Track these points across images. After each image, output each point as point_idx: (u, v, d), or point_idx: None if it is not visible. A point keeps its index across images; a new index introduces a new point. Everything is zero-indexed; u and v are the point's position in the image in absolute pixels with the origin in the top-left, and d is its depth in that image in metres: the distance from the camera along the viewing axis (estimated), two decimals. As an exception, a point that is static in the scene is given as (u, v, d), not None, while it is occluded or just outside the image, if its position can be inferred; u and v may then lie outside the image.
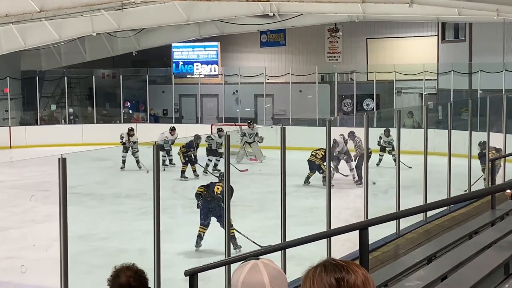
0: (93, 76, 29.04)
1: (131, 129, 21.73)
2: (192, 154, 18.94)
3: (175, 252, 10.63)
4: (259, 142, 21.70)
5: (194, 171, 18.94)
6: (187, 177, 18.51)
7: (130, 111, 30.15)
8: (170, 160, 20.78)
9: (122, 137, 21.44)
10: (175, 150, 20.05)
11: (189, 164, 18.92)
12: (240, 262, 2.37)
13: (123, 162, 20.51)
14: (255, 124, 23.31)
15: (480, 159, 15.13)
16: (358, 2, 17.66)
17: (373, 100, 27.27)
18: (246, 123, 23.13)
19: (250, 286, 2.26)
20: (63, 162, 4.75)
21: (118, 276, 3.64)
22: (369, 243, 5.46)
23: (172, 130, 21.82)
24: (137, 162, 20.08)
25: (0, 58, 25.96)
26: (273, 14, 21.75)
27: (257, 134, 22.07)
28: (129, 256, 10.53)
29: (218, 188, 11.39)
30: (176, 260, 10.21)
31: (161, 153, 20.36)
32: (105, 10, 21.60)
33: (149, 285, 3.89)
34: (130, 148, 20.65)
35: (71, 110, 29.03)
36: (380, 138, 19.44)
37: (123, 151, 20.65)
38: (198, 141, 19.21)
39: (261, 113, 28.87)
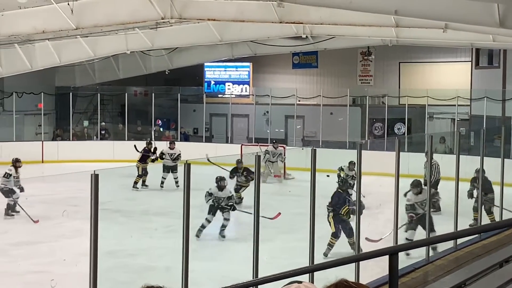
0: (126, 94, 29.30)
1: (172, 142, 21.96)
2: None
3: (202, 270, 10.59)
4: (281, 162, 21.75)
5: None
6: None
7: (161, 129, 30.32)
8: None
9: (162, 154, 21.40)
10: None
11: None
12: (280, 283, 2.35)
13: (162, 182, 20.57)
14: (279, 144, 23.32)
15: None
16: (391, 26, 17.62)
17: (405, 125, 27.10)
18: (271, 143, 23.18)
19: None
20: (95, 178, 4.78)
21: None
22: (399, 269, 5.39)
23: (172, 143, 21.95)
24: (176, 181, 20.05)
25: (35, 74, 26.34)
26: (306, 36, 21.78)
27: (280, 154, 22.10)
28: (156, 273, 10.54)
29: None
30: (203, 279, 10.19)
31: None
32: (139, 29, 21.83)
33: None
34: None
35: (103, 125, 29.28)
36: (342, 170, 17.50)
37: (164, 171, 20.65)
38: (241, 165, 17.94)
39: (292, 135, 28.85)
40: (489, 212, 14.05)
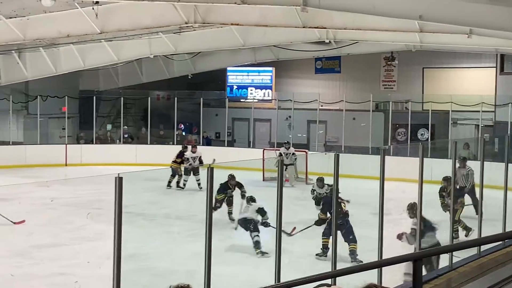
0: (149, 98, 29.43)
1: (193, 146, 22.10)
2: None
3: (225, 274, 10.57)
4: (293, 163, 21.77)
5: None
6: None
7: (184, 133, 30.42)
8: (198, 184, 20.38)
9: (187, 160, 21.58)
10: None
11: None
12: None
13: (184, 184, 20.84)
14: (290, 145, 23.36)
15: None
16: (415, 32, 17.55)
17: (428, 130, 26.95)
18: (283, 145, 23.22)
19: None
20: (119, 181, 4.80)
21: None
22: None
23: (194, 146, 22.10)
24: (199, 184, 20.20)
25: (59, 78, 26.56)
26: (329, 41, 21.76)
27: (293, 154, 22.10)
28: (178, 277, 10.55)
29: None
30: (225, 283, 10.17)
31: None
32: (163, 33, 21.93)
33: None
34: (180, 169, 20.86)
35: (126, 129, 29.43)
36: (314, 191, 16.87)
37: (185, 174, 20.87)
38: (233, 181, 16.30)
39: (314, 140, 28.80)
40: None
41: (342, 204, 12.52)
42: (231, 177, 15.88)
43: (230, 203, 15.84)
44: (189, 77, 29.83)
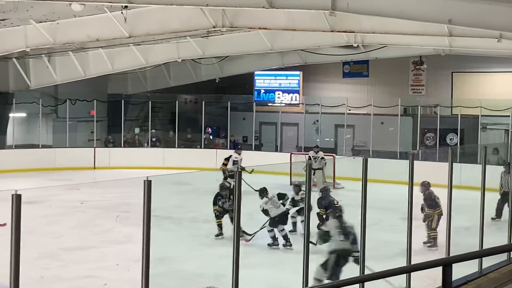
0: (176, 101, 29.56)
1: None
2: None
3: (251, 278, 10.56)
4: (321, 167, 21.70)
5: None
6: None
7: (211, 137, 30.50)
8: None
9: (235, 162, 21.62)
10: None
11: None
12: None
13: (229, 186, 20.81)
14: (319, 149, 23.30)
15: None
16: (444, 36, 17.42)
17: (457, 135, 26.71)
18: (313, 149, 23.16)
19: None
20: (148, 184, 4.82)
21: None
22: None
23: (239, 149, 22.10)
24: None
25: (88, 81, 26.81)
26: (357, 45, 21.67)
27: (322, 158, 22.03)
28: (205, 280, 10.56)
29: None
30: (253, 287, 10.16)
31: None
32: (191, 37, 22.04)
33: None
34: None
35: (154, 133, 29.59)
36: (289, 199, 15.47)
37: (230, 178, 20.85)
38: (225, 192, 15.78)
39: (341, 144, 28.70)
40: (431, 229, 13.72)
41: (335, 202, 13.20)
42: (222, 186, 15.41)
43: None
44: (217, 81, 29.93)
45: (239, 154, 21.75)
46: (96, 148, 28.31)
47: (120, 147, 29.13)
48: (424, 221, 13.67)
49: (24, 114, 28.90)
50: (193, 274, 11.10)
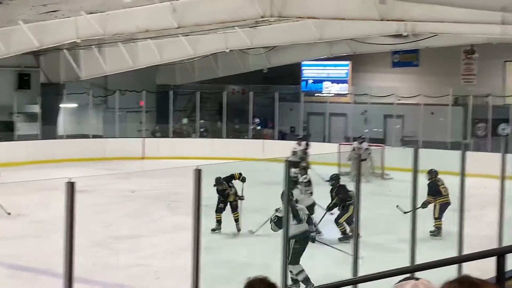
0: (224, 92, 29.63)
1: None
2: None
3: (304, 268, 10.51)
4: (367, 158, 21.51)
5: None
6: None
7: (259, 127, 30.50)
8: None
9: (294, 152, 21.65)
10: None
11: None
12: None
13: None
14: (364, 139, 23.11)
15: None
16: (497, 24, 17.05)
17: (509, 125, 26.18)
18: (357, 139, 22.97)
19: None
20: (198, 173, 4.81)
21: (253, 287, 3.62)
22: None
23: (300, 139, 22.03)
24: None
25: (137, 72, 27.06)
26: (407, 34, 21.38)
27: (367, 149, 21.84)
28: (253, 271, 10.56)
29: None
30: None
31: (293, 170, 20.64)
32: (239, 27, 22.03)
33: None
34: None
35: (202, 123, 29.72)
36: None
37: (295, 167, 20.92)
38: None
39: (390, 134, 28.41)
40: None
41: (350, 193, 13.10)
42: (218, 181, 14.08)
43: (233, 209, 14.15)
44: (264, 71, 29.89)
45: (299, 145, 21.71)
46: (144, 138, 28.59)
47: (168, 137, 29.36)
48: (422, 207, 13.27)
49: (74, 105, 29.34)
50: (242, 264, 11.12)
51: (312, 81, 31.71)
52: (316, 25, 21.33)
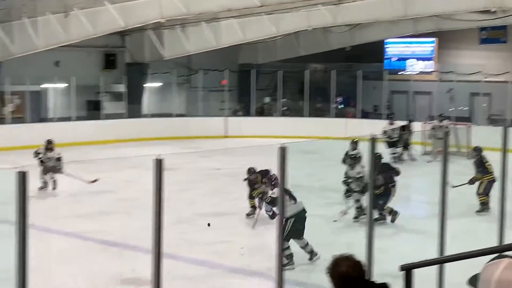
0: (306, 71, 29.48)
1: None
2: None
3: (386, 247, 10.42)
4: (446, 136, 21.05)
5: None
6: None
7: (341, 106, 30.28)
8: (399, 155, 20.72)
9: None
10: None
11: None
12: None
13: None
14: (445, 118, 22.65)
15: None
16: None
17: None
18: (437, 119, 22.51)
19: (506, 284, 2.18)
20: (283, 151, 4.81)
21: (338, 265, 3.61)
22: None
23: (391, 118, 21.82)
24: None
25: (219, 51, 27.26)
26: (495, 9, 20.73)
27: (446, 127, 21.40)
28: (337, 248, 10.53)
29: None
30: (384, 256, 10.03)
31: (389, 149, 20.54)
32: (322, 5, 21.86)
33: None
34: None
35: (284, 102, 29.71)
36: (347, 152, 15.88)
37: (390, 146, 20.90)
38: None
39: (477, 113, 27.69)
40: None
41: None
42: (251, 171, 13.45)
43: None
44: (347, 49, 29.57)
45: (391, 124, 21.54)
46: (227, 117, 28.83)
47: (250, 116, 29.51)
48: (469, 183, 13.81)
49: (159, 84, 29.84)
50: (325, 242, 11.10)
51: (395, 59, 31.18)
52: (401, 1, 20.95)
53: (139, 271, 9.28)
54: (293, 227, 10.04)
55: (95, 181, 15.41)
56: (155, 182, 4.16)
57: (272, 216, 11.15)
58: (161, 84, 29.79)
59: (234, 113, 30.29)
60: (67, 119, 26.10)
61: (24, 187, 3.71)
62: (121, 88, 28.13)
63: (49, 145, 16.13)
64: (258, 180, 12.92)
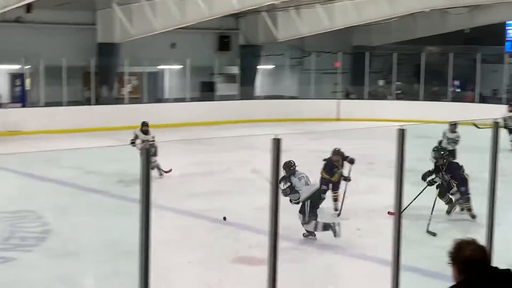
0: (422, 53, 28.75)
1: None
2: None
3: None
4: None
5: None
6: None
7: (458, 90, 29.39)
8: None
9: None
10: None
11: None
12: None
13: None
14: None
15: None
16: None
17: None
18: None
19: None
20: (401, 133, 4.65)
21: (461, 249, 3.49)
22: None
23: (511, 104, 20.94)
24: None
25: (333, 33, 27.06)
26: None
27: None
28: (455, 233, 10.21)
29: None
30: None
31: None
32: (441, -15, 21.20)
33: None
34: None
35: (398, 85, 29.14)
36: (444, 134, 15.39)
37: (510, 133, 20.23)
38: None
39: None
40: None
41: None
42: (336, 152, 12.62)
43: (334, 188, 12.43)
44: (466, 31, 28.63)
45: (511, 112, 20.70)
46: (339, 100, 28.60)
47: (363, 99, 29.14)
48: None
49: (271, 66, 29.95)
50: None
51: (518, 41, 29.92)
52: (525, -20, 20.02)
53: (251, 251, 9.36)
54: (311, 207, 10.24)
55: (169, 171, 15.24)
56: (273, 161, 4.12)
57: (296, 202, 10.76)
58: (274, 66, 29.89)
59: (347, 96, 30.00)
60: (182, 100, 26.66)
61: (147, 162, 3.75)
62: (235, 70, 28.43)
63: (144, 127, 15.25)
64: (339, 164, 12.49)
